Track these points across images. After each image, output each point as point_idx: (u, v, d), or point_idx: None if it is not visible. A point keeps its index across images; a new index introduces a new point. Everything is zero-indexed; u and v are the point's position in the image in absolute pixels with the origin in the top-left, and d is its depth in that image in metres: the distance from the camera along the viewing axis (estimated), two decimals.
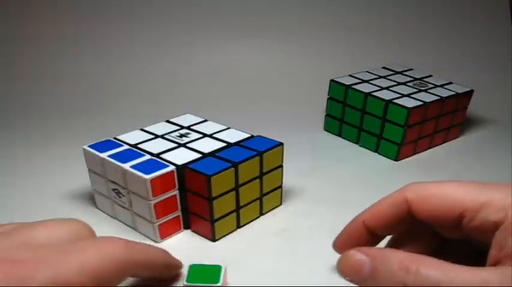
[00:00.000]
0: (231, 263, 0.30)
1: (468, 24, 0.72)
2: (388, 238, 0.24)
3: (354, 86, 0.48)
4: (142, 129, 0.38)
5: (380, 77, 0.52)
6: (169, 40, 0.69)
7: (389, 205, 0.22)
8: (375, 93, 0.47)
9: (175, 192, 0.33)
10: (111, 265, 0.22)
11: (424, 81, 0.51)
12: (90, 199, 0.38)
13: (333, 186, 0.42)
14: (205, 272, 0.28)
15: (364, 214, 0.23)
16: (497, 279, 0.17)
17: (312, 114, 0.56)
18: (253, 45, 0.70)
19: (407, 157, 0.47)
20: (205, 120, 0.40)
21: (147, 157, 0.34)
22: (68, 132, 0.52)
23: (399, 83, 0.50)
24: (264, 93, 0.63)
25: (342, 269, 0.20)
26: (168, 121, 0.40)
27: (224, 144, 0.36)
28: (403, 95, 0.47)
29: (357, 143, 0.50)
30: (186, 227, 0.35)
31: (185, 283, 0.27)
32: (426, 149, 0.49)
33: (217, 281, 0.27)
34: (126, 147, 0.35)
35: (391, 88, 0.49)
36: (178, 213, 0.34)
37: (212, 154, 0.34)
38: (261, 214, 0.37)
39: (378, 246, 0.23)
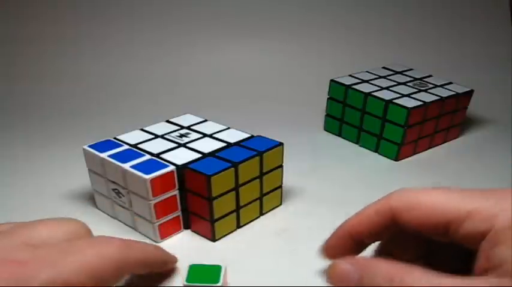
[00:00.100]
0: (231, 263, 0.30)
1: (468, 24, 0.72)
2: (377, 242, 0.24)
3: (354, 86, 0.48)
4: (142, 129, 0.38)
5: (380, 77, 0.52)
6: (169, 40, 0.69)
7: (374, 213, 0.21)
8: (375, 93, 0.47)
9: (175, 192, 0.33)
10: (109, 265, 0.22)
11: (424, 81, 0.51)
12: (90, 199, 0.38)
13: (333, 186, 0.42)
14: (205, 272, 0.28)
15: (350, 221, 0.22)
16: None
17: (312, 114, 0.56)
18: (253, 45, 0.70)
19: (407, 157, 0.47)
20: (205, 120, 0.40)
21: (147, 157, 0.34)
22: (68, 132, 0.52)
23: (399, 83, 0.50)
24: (264, 93, 0.63)
25: (330, 277, 0.20)
26: (168, 121, 0.40)
27: (224, 144, 0.36)
28: (403, 95, 0.47)
29: (357, 143, 0.50)
30: (186, 227, 0.35)
31: (185, 283, 0.27)
32: (426, 149, 0.49)
33: (217, 281, 0.27)
34: (126, 147, 0.35)
35: (391, 88, 0.49)
36: (178, 213, 0.34)
37: (212, 154, 0.34)
38: (261, 214, 0.37)
39: (366, 251, 0.23)
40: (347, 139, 0.51)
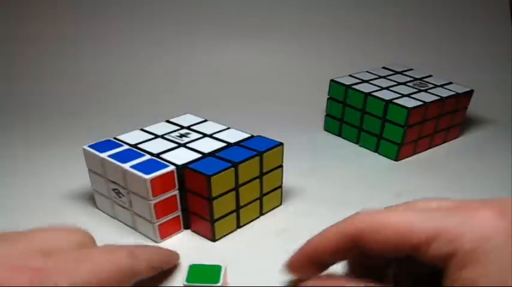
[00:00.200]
0: (231, 263, 0.30)
1: (468, 24, 0.72)
2: None
3: (354, 86, 0.48)
4: (142, 129, 0.38)
5: (380, 77, 0.52)
6: (169, 40, 0.69)
7: (336, 235, 0.21)
8: (375, 93, 0.47)
9: (175, 192, 0.33)
10: (118, 273, 0.23)
11: (424, 81, 0.51)
12: (90, 199, 0.38)
13: (333, 186, 0.42)
14: (205, 272, 0.28)
15: (312, 241, 0.22)
16: None
17: (312, 114, 0.56)
18: (253, 45, 0.70)
19: (407, 157, 0.47)
20: (205, 120, 0.40)
21: (147, 157, 0.34)
22: (68, 132, 0.52)
23: (399, 83, 0.50)
24: (264, 93, 0.63)
25: None
26: (168, 121, 0.40)
27: (224, 144, 0.36)
28: (403, 95, 0.47)
29: (357, 143, 0.50)
30: (186, 227, 0.35)
31: (185, 283, 0.27)
32: (426, 149, 0.49)
33: (217, 281, 0.27)
34: (126, 147, 0.35)
35: (391, 88, 0.49)
36: (178, 213, 0.34)
37: (212, 154, 0.34)
38: (261, 214, 0.37)
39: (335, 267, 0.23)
40: (347, 139, 0.51)
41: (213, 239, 0.34)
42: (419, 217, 0.19)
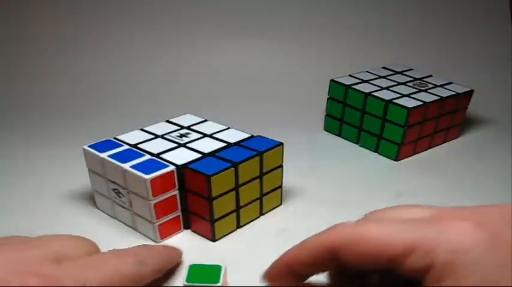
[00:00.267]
0: (231, 263, 0.30)
1: (468, 24, 0.72)
2: None
3: (354, 86, 0.48)
4: (142, 129, 0.38)
5: (380, 77, 0.52)
6: (169, 40, 0.69)
7: (314, 247, 0.20)
8: (375, 93, 0.47)
9: (175, 192, 0.33)
10: (125, 281, 0.23)
11: (424, 81, 0.51)
12: (90, 199, 0.38)
13: (333, 186, 0.42)
14: (205, 272, 0.28)
15: (289, 253, 0.22)
16: None
17: (312, 114, 0.56)
18: (253, 45, 0.70)
19: (407, 157, 0.47)
20: (205, 120, 0.40)
21: (147, 157, 0.34)
22: (68, 132, 0.52)
23: (399, 83, 0.50)
24: (264, 93, 0.63)
25: None
26: (168, 121, 0.40)
27: (224, 144, 0.36)
28: (403, 95, 0.47)
29: (357, 143, 0.50)
30: (186, 227, 0.35)
31: (185, 283, 0.27)
32: (426, 149, 0.49)
33: (217, 281, 0.27)
34: (126, 147, 0.35)
35: (391, 88, 0.49)
36: (178, 213, 0.34)
37: (212, 154, 0.34)
38: (261, 214, 0.37)
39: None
40: (347, 139, 0.51)
41: (213, 239, 0.34)
42: (396, 228, 0.19)
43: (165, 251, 0.30)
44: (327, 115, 0.52)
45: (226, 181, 0.32)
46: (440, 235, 0.18)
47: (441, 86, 0.50)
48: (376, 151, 0.48)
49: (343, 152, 0.49)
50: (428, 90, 0.48)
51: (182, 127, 0.39)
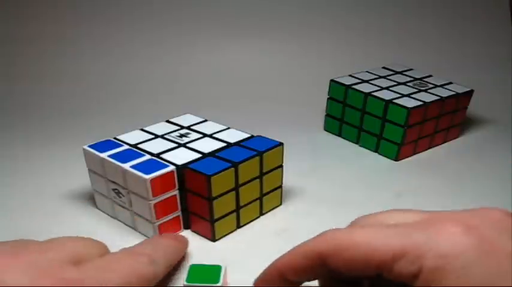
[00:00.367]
0: (231, 263, 0.30)
1: (468, 24, 0.72)
2: None
3: (354, 86, 0.48)
4: (142, 129, 0.38)
5: (380, 77, 0.52)
6: (169, 40, 0.69)
7: (304, 255, 0.20)
8: (375, 93, 0.47)
9: (175, 192, 0.33)
10: (140, 281, 0.23)
11: (424, 81, 0.51)
12: (90, 199, 0.38)
13: (333, 186, 0.42)
14: (205, 272, 0.28)
15: (279, 261, 0.22)
16: None
17: (312, 114, 0.56)
18: (253, 45, 0.70)
19: (407, 157, 0.47)
20: (205, 120, 0.40)
21: (147, 157, 0.34)
22: (68, 132, 0.52)
23: (399, 83, 0.50)
24: (264, 93, 0.63)
25: None
26: (168, 121, 0.40)
27: (224, 144, 0.36)
28: (403, 95, 0.47)
29: (357, 143, 0.50)
30: (186, 227, 0.35)
31: (185, 283, 0.27)
32: (426, 149, 0.49)
33: (217, 281, 0.27)
34: (126, 147, 0.35)
35: (391, 88, 0.49)
36: (178, 213, 0.34)
37: (212, 154, 0.34)
38: (261, 214, 0.37)
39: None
40: (347, 139, 0.51)
41: (213, 239, 0.34)
42: (385, 234, 0.19)
43: (174, 244, 0.30)
44: (327, 115, 0.52)
45: (226, 181, 0.32)
46: (430, 240, 0.18)
47: (441, 86, 0.50)
48: (376, 151, 0.48)
49: (343, 152, 0.49)
50: (428, 90, 0.48)
51: (182, 127, 0.39)
